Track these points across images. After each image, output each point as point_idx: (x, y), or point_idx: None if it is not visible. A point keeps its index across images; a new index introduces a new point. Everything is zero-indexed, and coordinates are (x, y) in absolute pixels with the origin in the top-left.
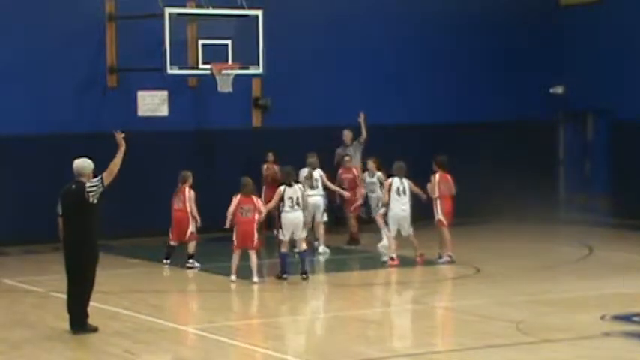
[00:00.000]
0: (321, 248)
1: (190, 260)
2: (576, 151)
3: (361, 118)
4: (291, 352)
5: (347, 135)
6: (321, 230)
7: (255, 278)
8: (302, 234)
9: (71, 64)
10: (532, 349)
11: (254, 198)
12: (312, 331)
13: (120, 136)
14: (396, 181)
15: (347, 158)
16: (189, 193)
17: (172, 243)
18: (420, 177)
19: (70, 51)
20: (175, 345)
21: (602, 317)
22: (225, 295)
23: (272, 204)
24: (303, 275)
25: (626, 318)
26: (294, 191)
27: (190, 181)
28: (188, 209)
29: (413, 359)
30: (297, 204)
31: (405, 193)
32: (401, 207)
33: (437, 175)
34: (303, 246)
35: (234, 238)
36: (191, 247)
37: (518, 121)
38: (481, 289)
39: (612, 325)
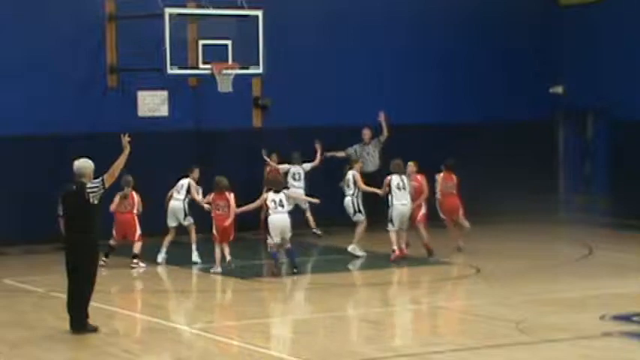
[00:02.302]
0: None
1: (135, 260)
2: (576, 151)
3: (381, 117)
4: (291, 352)
5: (366, 133)
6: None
7: (219, 269)
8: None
9: (71, 64)
10: (532, 349)
11: (227, 194)
12: (311, 331)
13: (125, 140)
14: (395, 178)
15: (411, 163)
16: (137, 197)
17: (114, 243)
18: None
19: (70, 51)
20: (175, 345)
21: (602, 317)
22: (224, 295)
23: (253, 205)
24: (294, 270)
25: (626, 318)
26: (278, 194)
27: (133, 184)
28: (135, 212)
29: (413, 359)
30: (281, 205)
31: (404, 188)
32: (401, 202)
33: (440, 175)
34: (289, 244)
35: (214, 231)
36: (137, 247)
37: (519, 121)
38: (481, 289)
39: (612, 325)
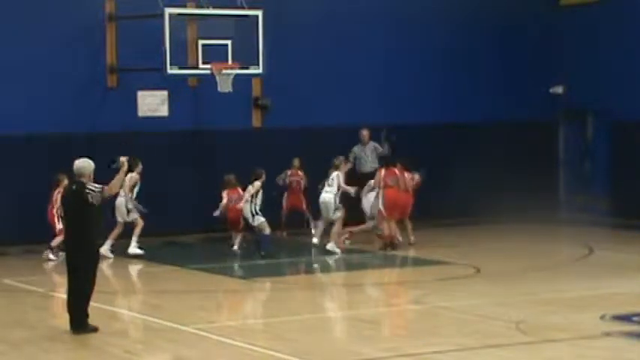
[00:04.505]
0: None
1: (47, 251)
2: (576, 151)
3: (384, 135)
4: (291, 352)
5: (364, 134)
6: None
7: (236, 247)
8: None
9: (71, 64)
10: (532, 349)
11: (238, 189)
12: (311, 331)
13: (123, 161)
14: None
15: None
16: (57, 196)
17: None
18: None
19: (70, 51)
20: (175, 345)
21: (602, 317)
22: (225, 295)
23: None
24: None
25: (626, 318)
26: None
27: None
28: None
29: (413, 359)
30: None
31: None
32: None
33: (382, 170)
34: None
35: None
36: (56, 241)
37: (518, 121)
38: (481, 289)
39: (612, 325)
